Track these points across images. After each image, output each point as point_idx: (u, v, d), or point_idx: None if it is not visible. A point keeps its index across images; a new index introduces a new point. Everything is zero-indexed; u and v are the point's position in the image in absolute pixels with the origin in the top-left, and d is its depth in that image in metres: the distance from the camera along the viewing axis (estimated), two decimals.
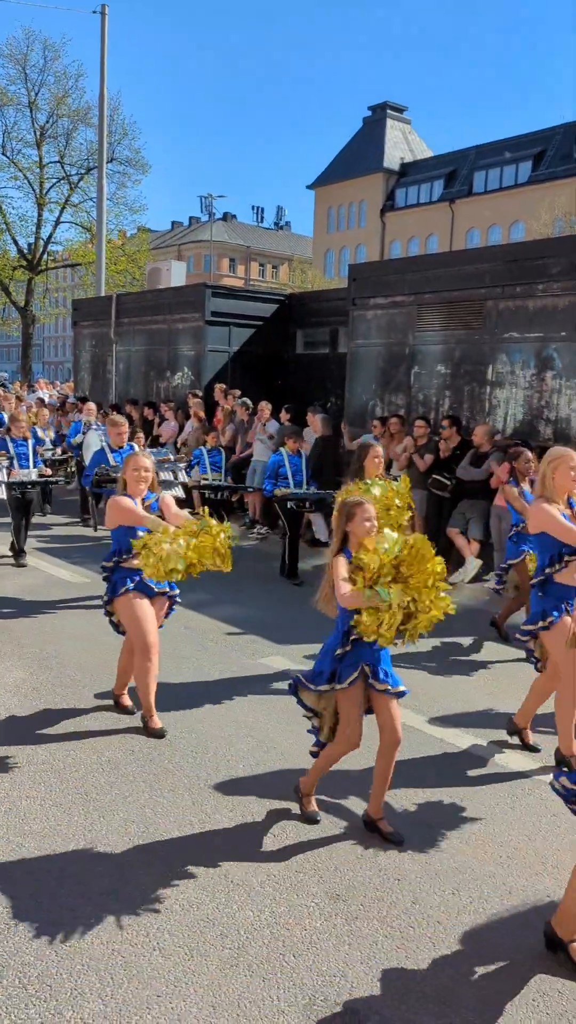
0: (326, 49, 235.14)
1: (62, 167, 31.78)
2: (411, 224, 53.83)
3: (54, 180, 31.95)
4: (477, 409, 10.09)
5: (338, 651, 3.91)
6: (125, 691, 5.44)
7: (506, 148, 49.41)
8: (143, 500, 5.13)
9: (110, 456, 7.80)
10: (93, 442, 10.46)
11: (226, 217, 71.86)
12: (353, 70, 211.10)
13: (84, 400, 15.85)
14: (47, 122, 31.14)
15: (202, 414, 12.67)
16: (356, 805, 4.31)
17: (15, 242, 31.55)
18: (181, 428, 13.26)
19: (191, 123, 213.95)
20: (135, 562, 4.90)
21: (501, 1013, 2.93)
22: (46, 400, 18.60)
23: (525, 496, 6.56)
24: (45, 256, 32.44)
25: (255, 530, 11.44)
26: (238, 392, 12.76)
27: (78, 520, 12.13)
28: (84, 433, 11.66)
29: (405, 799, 4.41)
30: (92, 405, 13.00)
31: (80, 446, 11.65)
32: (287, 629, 7.29)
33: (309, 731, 4.15)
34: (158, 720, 5.09)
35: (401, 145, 57.18)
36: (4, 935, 3.22)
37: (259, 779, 4.57)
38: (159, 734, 5.01)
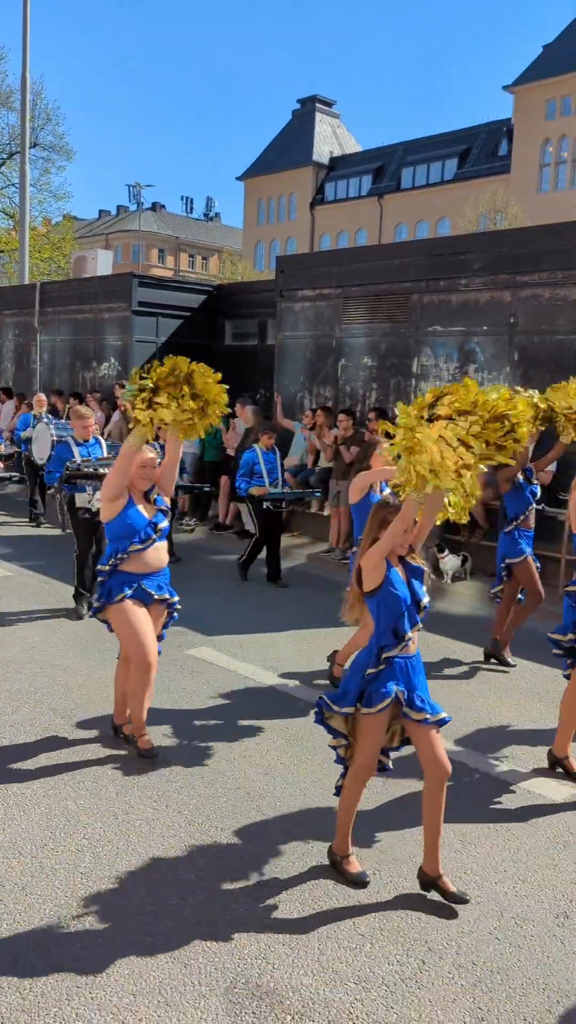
0: (256, 41, 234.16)
1: None
2: (340, 218, 54.14)
3: None
4: (403, 401, 10.23)
5: (369, 671, 3.46)
6: (141, 723, 4.71)
7: (432, 145, 50.16)
8: (145, 495, 4.70)
9: (76, 451, 7.33)
10: (43, 435, 10.00)
11: (155, 207, 70.91)
12: (283, 63, 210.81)
13: (8, 391, 15.49)
14: None
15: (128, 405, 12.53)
16: (287, 793, 4.34)
17: None
18: (107, 419, 13.09)
19: (120, 112, 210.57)
20: (134, 561, 4.59)
21: (421, 987, 3.01)
22: None
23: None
24: None
25: (183, 523, 11.38)
26: None
27: (26, 519, 11.49)
28: (34, 427, 10.92)
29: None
30: (43, 396, 12.30)
31: (29, 440, 10.92)
32: (217, 621, 7.29)
33: (336, 762, 3.69)
34: (150, 739, 4.70)
35: (330, 139, 57.40)
36: None
37: (186, 769, 4.56)
38: (150, 754, 4.61)
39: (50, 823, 3.97)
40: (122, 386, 13.11)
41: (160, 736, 4.92)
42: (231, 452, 11.19)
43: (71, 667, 6.06)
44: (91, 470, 7.14)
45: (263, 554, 8.83)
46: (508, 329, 9.15)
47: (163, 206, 73.02)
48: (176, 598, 4.83)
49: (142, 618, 4.61)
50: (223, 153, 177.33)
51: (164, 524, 4.71)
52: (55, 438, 9.71)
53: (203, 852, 3.79)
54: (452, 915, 3.40)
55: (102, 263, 17.35)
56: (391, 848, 3.88)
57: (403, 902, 3.50)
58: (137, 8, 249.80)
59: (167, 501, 4.81)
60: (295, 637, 7.01)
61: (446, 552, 8.73)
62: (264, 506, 8.66)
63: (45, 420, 10.64)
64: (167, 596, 4.75)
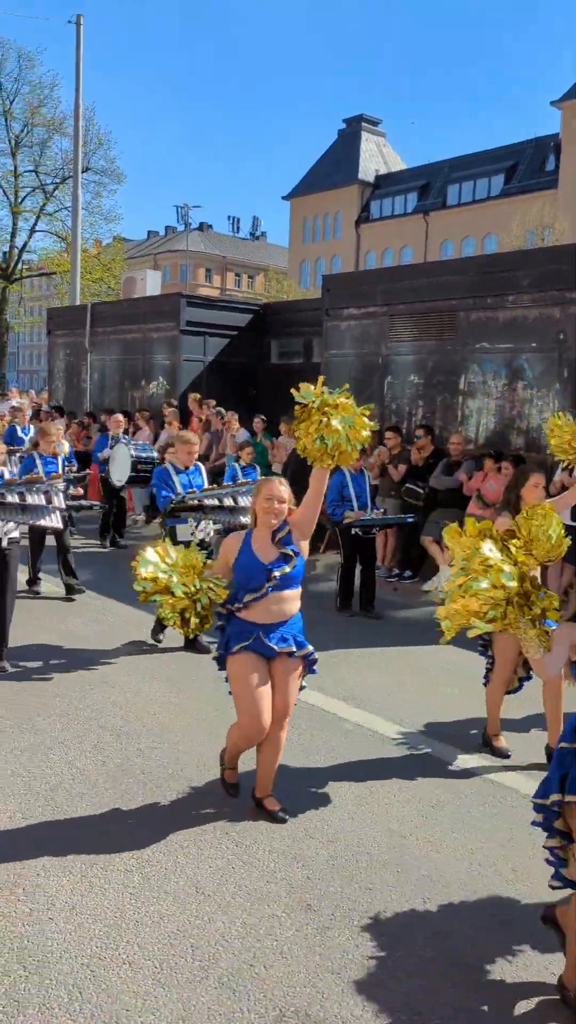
0: (302, 62, 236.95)
1: (37, 176, 31.72)
2: (386, 236, 54.24)
3: (29, 189, 31.88)
4: (449, 419, 10.17)
5: None
6: (234, 762, 4.50)
7: (478, 162, 50.05)
8: (275, 534, 4.13)
9: (176, 478, 6.86)
10: (122, 457, 9.70)
11: (202, 227, 71.93)
12: (329, 83, 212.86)
13: (59, 410, 15.76)
14: (22, 131, 31.08)
15: (177, 423, 12.67)
16: (329, 815, 4.31)
17: None
18: (156, 437, 13.24)
19: (167, 134, 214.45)
20: (252, 609, 4.11)
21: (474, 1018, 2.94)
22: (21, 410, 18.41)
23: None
24: (20, 265, 32.30)
25: None
26: (213, 402, 12.77)
27: (97, 543, 11.13)
28: (111, 447, 10.56)
29: (378, 805, 4.41)
30: (120, 417, 11.57)
31: (107, 462, 10.53)
32: None
33: (548, 862, 3.13)
34: (235, 774, 4.49)
35: (376, 157, 57.66)
36: None
37: (241, 791, 4.54)
38: (233, 791, 4.43)
39: (99, 841, 3.98)
40: (171, 404, 13.27)
41: (213, 761, 4.91)
42: (277, 469, 11.23)
43: (122, 684, 6.10)
44: (195, 502, 6.75)
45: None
46: (557, 346, 9.04)
47: (210, 226, 74.07)
48: (311, 649, 4.23)
49: (258, 676, 4.07)
50: (269, 173, 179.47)
51: (287, 570, 4.08)
52: (134, 456, 9.56)
53: (250, 875, 3.76)
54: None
55: (151, 283, 17.61)
56: (437, 868, 3.81)
57: (447, 924, 3.43)
58: (185, 32, 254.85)
59: (301, 546, 4.17)
60: (367, 662, 6.95)
61: None
62: (352, 532, 8.12)
63: (124, 441, 10.42)
64: (292, 648, 4.14)
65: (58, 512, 7.09)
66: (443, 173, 52.43)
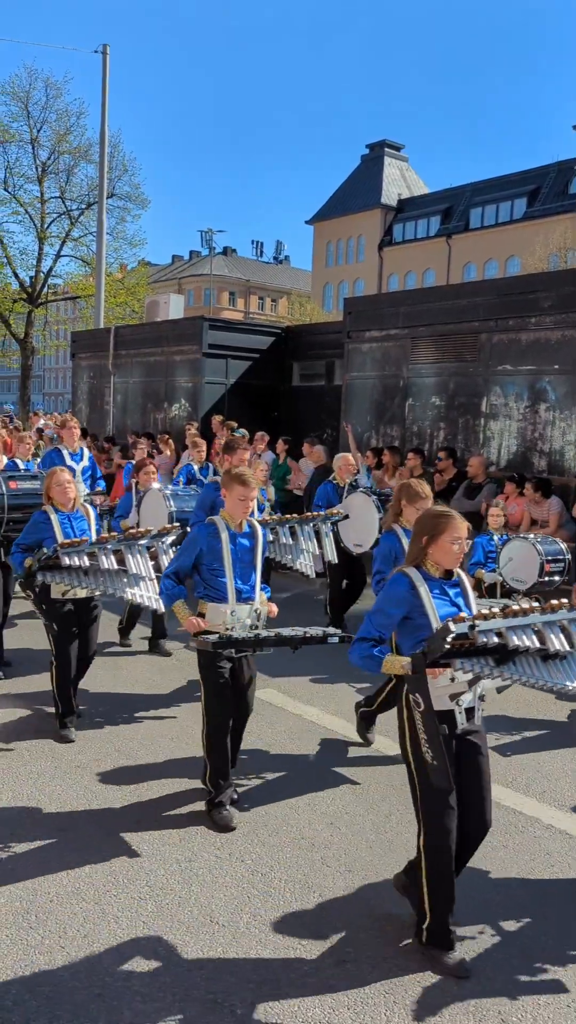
0: (325, 88, 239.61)
1: (63, 202, 32.15)
2: (408, 259, 54.43)
3: (55, 215, 32.31)
4: (471, 441, 10.11)
5: None
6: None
7: (501, 185, 50.20)
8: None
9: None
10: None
11: (226, 251, 72.64)
12: (352, 109, 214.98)
13: (83, 432, 15.83)
14: (48, 158, 31.56)
15: (202, 443, 12.67)
16: (345, 843, 4.23)
17: (16, 275, 31.81)
18: (177, 459, 13.26)
19: (192, 159, 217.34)
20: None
21: None
22: (44, 432, 18.64)
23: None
24: (45, 289, 32.71)
25: None
26: (235, 424, 12.79)
27: None
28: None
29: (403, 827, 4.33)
30: (152, 469, 8.72)
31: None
32: (283, 664, 7.21)
33: None
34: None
35: (399, 182, 58.03)
36: None
37: (250, 816, 4.48)
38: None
39: (112, 868, 3.93)
40: (191, 427, 13.30)
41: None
42: (298, 492, 11.20)
43: (136, 707, 6.06)
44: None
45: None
46: None
47: (234, 250, 74.75)
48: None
49: None
50: (293, 198, 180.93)
51: None
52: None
53: (265, 905, 3.69)
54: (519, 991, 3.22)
55: (174, 307, 17.76)
56: (457, 900, 3.73)
57: (480, 972, 3.33)
58: (208, 59, 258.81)
59: None
60: (362, 678, 6.89)
61: None
62: (341, 545, 7.87)
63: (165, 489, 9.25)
64: None
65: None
66: (466, 197, 52.60)
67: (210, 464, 9.94)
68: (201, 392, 14.04)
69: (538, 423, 9.37)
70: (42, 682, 6.14)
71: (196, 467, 10.07)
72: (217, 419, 13.24)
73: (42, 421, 23.60)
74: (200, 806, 4.53)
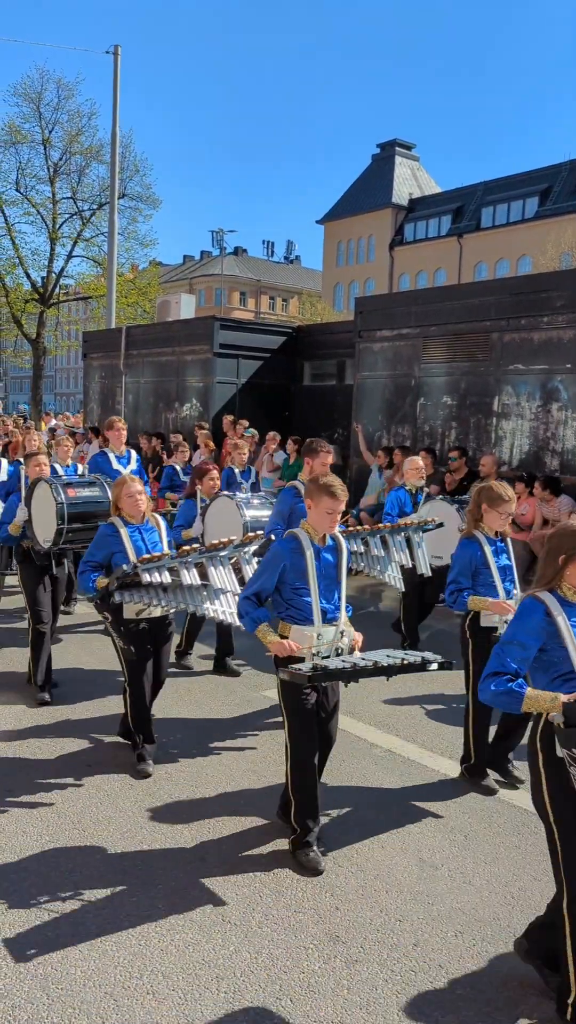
0: (336, 88, 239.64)
1: (74, 203, 32.24)
2: (419, 258, 54.32)
3: (67, 215, 32.41)
4: (483, 440, 10.09)
5: None
6: None
7: (512, 184, 50.03)
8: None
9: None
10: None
11: (237, 251, 72.70)
12: (362, 108, 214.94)
13: (95, 431, 15.89)
14: (60, 159, 31.65)
15: (212, 444, 12.70)
16: (358, 843, 4.22)
17: (28, 276, 31.93)
18: (189, 459, 13.28)
19: (203, 159, 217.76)
20: None
21: None
22: (56, 431, 18.70)
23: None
24: (57, 289, 32.81)
25: None
26: (246, 423, 12.80)
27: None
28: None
29: (409, 836, 4.32)
30: (214, 473, 8.00)
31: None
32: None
33: None
34: None
35: (409, 181, 57.90)
36: None
37: (260, 816, 4.48)
38: None
39: (124, 867, 3.94)
40: (202, 427, 13.33)
41: (229, 782, 4.86)
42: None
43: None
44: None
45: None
46: None
47: (245, 250, 74.82)
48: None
49: None
50: (304, 197, 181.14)
51: None
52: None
53: (277, 904, 3.69)
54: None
55: (185, 307, 17.79)
56: (472, 910, 3.71)
57: (480, 959, 3.32)
58: (219, 59, 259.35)
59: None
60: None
61: None
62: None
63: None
64: None
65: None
66: (477, 196, 52.45)
67: (190, 466, 9.42)
68: (212, 392, 14.06)
69: (550, 422, 9.33)
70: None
71: (179, 467, 9.96)
72: (228, 419, 13.26)
73: (53, 421, 23.74)
74: (212, 808, 4.53)
